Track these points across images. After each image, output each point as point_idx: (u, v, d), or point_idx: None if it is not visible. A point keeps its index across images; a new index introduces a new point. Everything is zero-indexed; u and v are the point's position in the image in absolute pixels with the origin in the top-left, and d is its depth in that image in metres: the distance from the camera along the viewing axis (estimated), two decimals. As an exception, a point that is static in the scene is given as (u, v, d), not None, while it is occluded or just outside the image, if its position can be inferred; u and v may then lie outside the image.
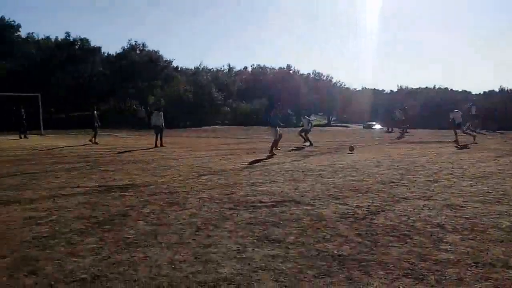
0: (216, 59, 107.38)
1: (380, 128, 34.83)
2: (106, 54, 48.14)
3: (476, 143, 17.07)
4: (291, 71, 64.12)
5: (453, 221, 4.99)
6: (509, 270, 3.49)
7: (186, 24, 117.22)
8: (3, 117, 32.93)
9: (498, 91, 53.79)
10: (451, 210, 5.56)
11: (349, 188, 7.18)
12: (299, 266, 3.59)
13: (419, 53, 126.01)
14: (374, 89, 72.20)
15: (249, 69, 67.21)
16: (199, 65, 56.98)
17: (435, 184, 7.52)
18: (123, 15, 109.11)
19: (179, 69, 54.16)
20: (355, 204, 5.93)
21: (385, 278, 3.33)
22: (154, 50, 48.42)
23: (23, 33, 45.19)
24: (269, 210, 5.66)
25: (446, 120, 18.91)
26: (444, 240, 4.28)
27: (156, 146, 17.06)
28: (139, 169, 9.92)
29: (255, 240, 4.33)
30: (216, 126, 38.31)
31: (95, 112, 20.16)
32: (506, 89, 51.88)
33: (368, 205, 5.86)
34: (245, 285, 3.22)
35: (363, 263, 3.65)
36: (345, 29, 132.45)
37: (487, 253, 3.88)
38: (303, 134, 18.29)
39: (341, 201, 6.19)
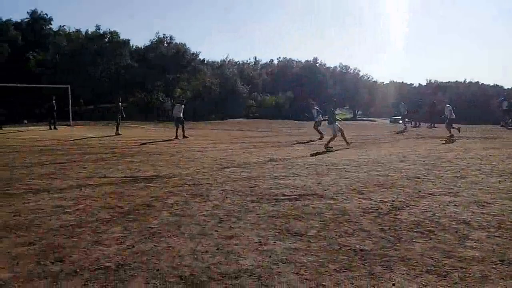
0: (243, 52, 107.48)
1: (407, 122, 34.16)
2: (134, 47, 48.85)
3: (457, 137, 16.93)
4: (317, 64, 63.51)
5: (479, 218, 4.87)
6: (536, 269, 3.40)
7: (214, 17, 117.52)
8: (34, 108, 33.98)
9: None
10: (478, 206, 5.43)
11: (374, 183, 7.10)
12: (320, 260, 3.59)
13: (449, 46, 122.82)
14: (402, 82, 70.86)
15: (275, 62, 66.94)
16: (225, 58, 57.19)
17: (462, 180, 7.35)
18: (152, 8, 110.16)
19: (205, 62, 54.50)
20: (379, 199, 5.86)
21: (407, 274, 3.29)
22: (182, 43, 48.81)
23: (54, 26, 46.36)
24: (292, 203, 5.65)
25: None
26: (470, 237, 4.19)
27: (176, 137, 17.38)
28: (164, 161, 10.06)
29: (277, 233, 4.34)
30: (241, 119, 38.40)
31: (120, 104, 20.53)
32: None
33: (393, 200, 5.78)
34: (266, 277, 3.24)
35: (385, 259, 3.61)
36: (374, 22, 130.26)
37: (514, 251, 3.79)
38: (316, 126, 17.85)
39: (365, 195, 6.13)
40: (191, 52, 49.16)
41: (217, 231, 4.41)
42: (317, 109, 18.29)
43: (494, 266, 3.45)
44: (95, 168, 8.89)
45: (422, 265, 3.46)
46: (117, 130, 19.88)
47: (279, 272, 3.33)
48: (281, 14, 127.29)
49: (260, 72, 58.17)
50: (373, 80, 68.68)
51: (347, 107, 70.28)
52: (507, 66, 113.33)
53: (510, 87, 58.02)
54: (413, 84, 72.69)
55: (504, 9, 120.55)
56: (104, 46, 42.64)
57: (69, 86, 27.74)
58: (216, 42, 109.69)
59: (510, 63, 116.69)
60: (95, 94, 39.41)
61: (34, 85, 30.84)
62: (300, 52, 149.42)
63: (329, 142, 13.45)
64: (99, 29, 43.96)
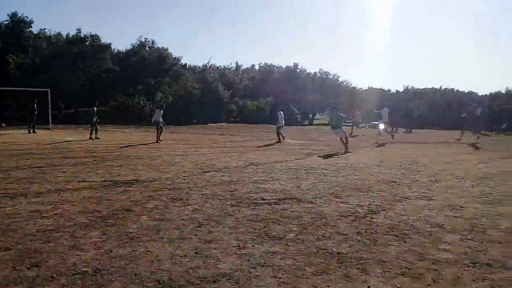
0: (224, 57, 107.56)
1: (384, 128, 34.71)
2: (116, 51, 48.42)
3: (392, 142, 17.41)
4: (298, 70, 63.98)
5: (453, 221, 5.01)
6: (506, 270, 3.53)
7: (195, 22, 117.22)
8: (12, 111, 33.29)
9: (504, 92, 53.54)
10: (451, 210, 5.59)
11: (351, 187, 7.22)
12: (298, 263, 3.64)
13: (426, 54, 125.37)
14: (381, 88, 71.92)
15: (257, 67, 67.20)
16: (207, 63, 57.14)
17: (437, 184, 7.54)
18: (134, 12, 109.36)
19: (187, 66, 54.35)
20: (356, 203, 5.97)
21: (382, 277, 3.37)
22: (163, 48, 48.61)
23: (35, 29, 45.57)
24: (271, 207, 5.71)
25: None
26: (443, 240, 4.31)
27: (157, 141, 17.74)
28: (144, 165, 10.01)
29: (255, 237, 4.38)
30: (222, 124, 38.34)
31: (96, 108, 20.72)
32: (512, 90, 51.67)
33: (369, 204, 5.89)
34: (244, 280, 3.27)
35: (361, 261, 3.69)
36: (353, 29, 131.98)
37: (485, 254, 3.91)
38: (279, 131, 19.04)
39: (343, 199, 6.23)
40: (173, 56, 49.02)
41: (196, 235, 4.43)
42: (281, 113, 19.60)
43: (466, 269, 3.56)
44: (74, 172, 8.79)
45: (397, 268, 3.55)
46: (95, 134, 19.73)
47: (257, 275, 3.37)
48: (263, 20, 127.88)
49: (241, 77, 58.31)
50: (352, 86, 69.58)
51: (327, 112, 70.85)
52: (481, 73, 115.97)
53: (483, 94, 59.57)
54: (391, 90, 73.83)
55: (481, 18, 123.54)
56: (85, 49, 42.16)
57: (48, 89, 27.32)
58: (198, 47, 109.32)
59: (484, 70, 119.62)
60: (75, 98, 38.86)
61: (13, 88, 30.26)
62: (281, 57, 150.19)
63: (346, 147, 13.87)
64: (80, 32, 43.48)
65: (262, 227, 4.75)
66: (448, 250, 4.00)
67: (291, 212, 5.46)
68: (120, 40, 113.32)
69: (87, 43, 43.24)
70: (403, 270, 3.50)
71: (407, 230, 4.66)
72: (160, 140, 17.98)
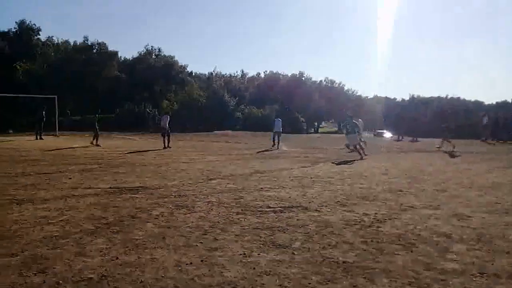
0: (230, 65, 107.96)
1: (391, 137, 34.56)
2: (122, 58, 48.84)
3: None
4: (303, 78, 64.17)
5: (459, 231, 4.97)
6: (514, 281, 3.49)
7: (201, 30, 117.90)
8: (20, 117, 33.58)
9: (511, 101, 53.37)
10: (458, 220, 5.55)
11: (357, 196, 7.19)
12: (304, 272, 3.63)
13: (432, 62, 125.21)
14: (386, 97, 71.94)
15: (262, 75, 67.49)
16: (213, 71, 57.50)
17: (443, 194, 7.49)
18: (140, 20, 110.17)
19: (193, 74, 54.69)
20: (362, 212, 5.94)
21: (389, 286, 3.35)
22: (170, 56, 48.98)
23: (43, 36, 46.06)
24: (276, 215, 5.70)
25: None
26: (450, 250, 4.27)
27: (164, 147, 18.14)
28: (150, 172, 10.04)
29: (261, 245, 4.37)
30: (228, 131, 38.38)
31: (97, 115, 21.26)
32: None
33: (375, 213, 5.86)
34: (249, 288, 3.27)
35: (367, 271, 3.67)
36: (359, 37, 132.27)
37: (492, 264, 3.88)
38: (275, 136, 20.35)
39: (348, 208, 6.21)
40: (179, 64, 49.36)
41: (201, 242, 4.43)
42: (280, 120, 21.17)
43: (474, 279, 3.53)
44: (80, 178, 8.83)
45: (403, 277, 3.52)
46: (97, 141, 20.01)
47: (263, 284, 3.36)
48: (268, 28, 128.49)
49: (247, 85, 58.57)
50: (357, 94, 69.68)
51: (332, 121, 70.93)
52: (488, 83, 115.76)
53: (490, 103, 59.38)
54: (396, 99, 73.84)
55: (486, 27, 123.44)
56: (92, 57, 42.56)
57: (56, 96, 27.55)
58: (204, 55, 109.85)
59: (491, 79, 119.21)
60: (82, 105, 39.16)
61: (21, 95, 30.55)
62: (286, 65, 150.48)
63: (361, 153, 14.15)
64: (87, 40, 43.96)
65: (267, 235, 4.74)
66: (455, 260, 3.97)
67: (296, 220, 5.45)
68: (127, 48, 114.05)
69: (94, 50, 43.68)
70: (409, 280, 3.47)
71: (413, 239, 4.63)
72: (170, 147, 18.36)
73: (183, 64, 50.52)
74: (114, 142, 22.26)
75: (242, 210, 5.99)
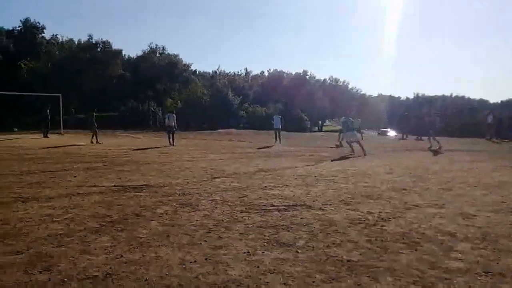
0: (234, 63, 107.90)
1: (395, 135, 34.51)
2: (126, 57, 48.95)
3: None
4: (307, 76, 64.07)
5: (464, 230, 4.95)
6: (519, 280, 3.47)
7: (205, 29, 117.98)
8: (24, 116, 33.74)
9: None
10: (463, 218, 5.52)
11: (361, 194, 7.17)
12: (308, 270, 3.62)
13: (437, 61, 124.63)
14: (390, 95, 71.74)
15: (266, 73, 67.43)
16: (217, 69, 57.52)
17: (448, 192, 7.46)
18: (144, 18, 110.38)
19: (197, 72, 54.75)
20: (366, 210, 5.93)
21: (393, 285, 3.34)
22: (174, 54, 49.06)
23: (47, 34, 46.24)
24: (280, 213, 5.69)
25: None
26: (455, 249, 4.25)
27: (170, 145, 18.84)
28: (154, 170, 10.06)
29: (265, 243, 4.37)
30: (232, 129, 38.43)
31: (94, 114, 21.80)
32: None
33: (379, 212, 5.85)
34: (254, 287, 3.27)
35: (372, 269, 3.66)
36: (364, 36, 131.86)
37: (497, 263, 3.86)
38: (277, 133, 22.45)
39: (353, 207, 6.20)
40: (183, 63, 49.42)
41: (206, 241, 4.43)
42: (280, 117, 23.42)
43: (478, 278, 3.51)
44: (85, 177, 8.86)
45: (408, 276, 3.51)
46: (96, 139, 20.47)
47: (267, 282, 3.36)
48: (273, 27, 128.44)
49: (251, 83, 58.53)
50: (361, 93, 69.51)
51: (336, 119, 70.81)
52: (492, 81, 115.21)
53: (495, 102, 59.09)
54: (401, 97, 73.63)
55: (491, 26, 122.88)
56: (96, 55, 42.67)
57: (60, 95, 27.66)
58: (208, 54, 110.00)
59: (496, 77, 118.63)
60: (86, 103, 39.31)
61: (25, 93, 30.68)
62: (290, 64, 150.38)
63: (363, 150, 15.21)
64: (91, 38, 44.08)
65: (271, 233, 4.74)
66: (460, 259, 3.95)
67: (300, 219, 5.44)
68: (131, 46, 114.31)
69: (98, 49, 43.79)
70: (414, 279, 3.46)
71: (418, 238, 4.61)
72: (174, 144, 19.00)
73: (187, 63, 50.67)
74: (118, 140, 22.35)
75: (246, 208, 5.99)
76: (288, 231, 4.86)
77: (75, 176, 8.89)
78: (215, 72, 56.95)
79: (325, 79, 68.00)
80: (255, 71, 68.80)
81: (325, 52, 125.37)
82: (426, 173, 10.11)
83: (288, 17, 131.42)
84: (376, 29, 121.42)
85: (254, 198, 6.70)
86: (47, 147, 16.75)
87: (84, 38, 44.99)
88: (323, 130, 60.86)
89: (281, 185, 8.01)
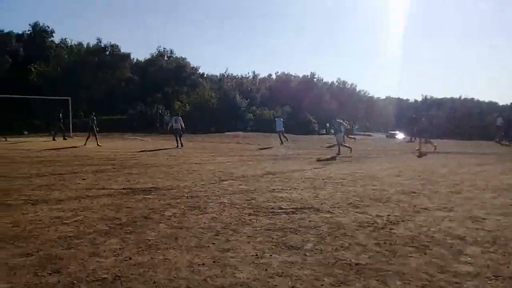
0: (242, 66, 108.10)
1: (403, 138, 34.33)
2: (135, 60, 49.27)
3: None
4: (314, 79, 63.98)
5: (474, 234, 4.91)
6: (530, 284, 3.44)
7: (213, 32, 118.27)
8: (34, 119, 34.06)
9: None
10: (472, 222, 5.48)
11: (369, 197, 7.14)
12: (316, 273, 3.62)
13: (445, 63, 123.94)
14: (398, 98, 71.39)
15: (274, 76, 67.41)
16: (224, 72, 57.66)
17: (457, 196, 7.41)
18: (153, 22, 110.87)
19: (204, 75, 54.94)
20: (375, 214, 5.90)
21: (402, 288, 3.33)
22: (182, 57, 49.31)
23: (56, 38, 46.64)
24: (288, 216, 5.69)
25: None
26: (464, 252, 4.22)
27: (177, 147, 19.72)
28: (162, 173, 10.10)
29: (273, 246, 4.37)
30: (239, 132, 38.43)
31: (94, 117, 21.71)
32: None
33: (388, 215, 5.82)
34: (262, 290, 3.27)
35: (380, 273, 3.64)
36: (371, 38, 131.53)
37: (508, 267, 3.82)
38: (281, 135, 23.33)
39: (361, 210, 6.17)
40: (191, 66, 49.64)
41: (214, 243, 4.44)
42: (282, 120, 24.68)
43: (488, 282, 3.49)
44: (94, 179, 8.92)
45: (417, 280, 3.49)
46: (96, 139, 20.81)
47: (275, 285, 3.36)
48: (280, 30, 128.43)
49: (258, 86, 58.56)
50: (369, 95, 69.25)
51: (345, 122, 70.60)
52: (502, 83, 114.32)
53: (504, 104, 58.60)
54: (409, 100, 73.26)
55: (501, 27, 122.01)
56: (105, 59, 42.98)
57: (69, 98, 27.89)
58: (215, 57, 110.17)
59: (505, 79, 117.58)
60: (95, 106, 39.57)
61: (35, 97, 30.97)
62: (298, 67, 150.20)
63: (346, 146, 16.76)
64: (100, 42, 44.40)
65: (279, 236, 4.74)
66: (470, 263, 3.92)
67: (308, 221, 5.43)
68: (139, 49, 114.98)
69: (107, 52, 44.10)
70: (423, 283, 3.44)
71: (427, 241, 4.58)
72: (182, 146, 19.79)
73: (195, 66, 50.87)
74: (126, 143, 22.49)
75: (254, 211, 5.99)
76: (296, 234, 4.85)
77: (84, 179, 8.95)
78: (223, 75, 57.13)
79: (332, 82, 67.87)
80: (263, 74, 68.78)
81: (333, 54, 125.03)
82: (435, 176, 10.05)
83: (296, 19, 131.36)
84: (384, 31, 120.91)
85: (262, 201, 6.70)
86: (56, 150, 16.88)
87: (92, 42, 45.39)
88: (331, 132, 60.72)
89: (289, 188, 8.00)
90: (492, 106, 57.59)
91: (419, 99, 69.33)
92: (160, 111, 40.38)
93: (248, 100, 48.92)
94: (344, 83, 68.11)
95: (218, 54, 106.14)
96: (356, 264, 3.86)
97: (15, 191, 7.44)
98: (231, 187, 8.08)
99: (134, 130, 33.47)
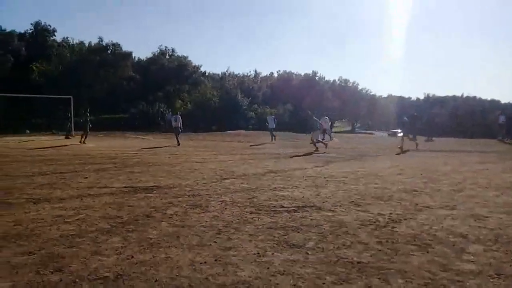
0: (243, 64, 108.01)
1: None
2: (136, 59, 49.29)
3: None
4: (316, 77, 63.90)
5: (476, 232, 4.90)
6: (532, 283, 3.43)
7: (214, 30, 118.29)
8: (36, 118, 34.12)
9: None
10: (474, 220, 5.46)
11: (371, 196, 7.13)
12: (318, 272, 3.61)
13: (447, 61, 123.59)
14: (401, 96, 71.19)
15: (275, 74, 67.36)
16: (226, 71, 57.66)
17: (459, 194, 7.38)
18: (154, 21, 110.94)
19: (206, 74, 54.94)
20: (377, 212, 5.89)
21: (404, 287, 3.31)
22: (183, 56, 49.33)
23: (58, 37, 46.71)
24: (290, 215, 5.68)
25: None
26: (467, 251, 4.21)
27: (178, 145, 20.17)
28: (164, 171, 10.10)
29: (275, 245, 4.36)
30: (241, 131, 38.45)
31: (88, 114, 22.28)
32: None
33: (390, 213, 5.81)
34: (264, 288, 3.26)
35: (382, 271, 3.64)
36: (373, 36, 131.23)
37: (510, 265, 3.81)
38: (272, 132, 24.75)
39: (363, 208, 6.16)
40: (193, 65, 49.65)
41: (215, 242, 4.43)
42: (274, 117, 26.30)
43: (491, 280, 3.47)
44: (95, 178, 8.93)
45: (419, 278, 3.48)
46: (85, 138, 21.09)
47: (277, 283, 3.35)
48: (282, 28, 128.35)
49: (260, 84, 58.53)
50: (371, 93, 69.11)
51: (346, 120, 70.53)
52: (504, 81, 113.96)
53: (507, 102, 58.40)
54: (411, 98, 73.08)
55: (503, 25, 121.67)
56: (106, 58, 43.01)
57: (71, 97, 27.95)
58: (217, 55, 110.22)
59: (507, 77, 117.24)
60: (97, 105, 39.62)
61: (37, 96, 31.03)
62: (299, 65, 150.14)
63: (318, 146, 17.82)
64: (101, 41, 44.45)
65: (281, 234, 4.73)
66: (472, 261, 3.91)
67: (310, 220, 5.42)
68: (141, 48, 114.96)
69: (108, 51, 44.13)
70: (425, 281, 3.43)
71: (429, 240, 4.57)
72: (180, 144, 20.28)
73: (196, 64, 50.86)
74: (128, 142, 22.50)
75: (255, 209, 5.99)
76: (298, 232, 4.84)
77: (86, 177, 8.96)
78: (225, 73, 57.15)
79: (334, 80, 67.82)
80: (265, 72, 68.78)
81: (335, 52, 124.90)
82: (437, 174, 10.03)
83: (298, 18, 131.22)
84: (386, 29, 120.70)
85: (263, 199, 6.70)
86: (58, 148, 16.90)
87: (94, 41, 45.47)
88: (332, 131, 60.65)
89: (290, 186, 7.99)
90: (494, 104, 57.38)
91: (421, 97, 69.15)
92: (161, 110, 40.38)
93: (250, 98, 48.91)
94: (346, 81, 68.08)
95: (219, 53, 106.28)
96: (358, 262, 3.85)
97: (17, 189, 7.45)
98: (232, 186, 8.08)
99: (136, 129, 33.52)
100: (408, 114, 23.23)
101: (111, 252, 4.07)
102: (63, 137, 24.31)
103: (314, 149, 17.68)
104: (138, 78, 45.68)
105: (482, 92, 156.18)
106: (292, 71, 66.22)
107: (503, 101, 60.90)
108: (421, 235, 4.76)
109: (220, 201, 6.59)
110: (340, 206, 6.28)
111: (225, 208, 6.06)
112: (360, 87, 68.66)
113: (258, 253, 4.07)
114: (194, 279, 3.42)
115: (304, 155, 15.71)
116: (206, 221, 5.30)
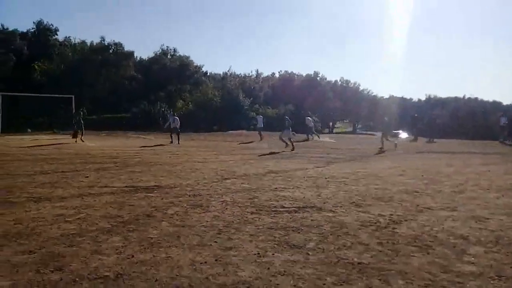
0: (245, 64, 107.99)
1: (406, 137, 34.20)
2: (138, 59, 49.31)
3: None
4: (318, 78, 63.83)
5: (477, 233, 4.89)
6: (533, 285, 3.42)
7: (215, 30, 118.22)
8: (38, 117, 34.19)
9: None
10: (475, 222, 5.45)
11: (372, 196, 7.13)
12: (318, 272, 3.61)
13: (449, 62, 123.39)
14: (402, 97, 71.02)
15: (277, 75, 67.29)
16: (228, 71, 57.63)
17: (460, 195, 7.38)
18: (156, 20, 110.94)
19: (208, 74, 54.94)
20: (378, 213, 5.88)
21: (404, 288, 3.32)
22: (185, 56, 49.32)
23: (60, 36, 46.75)
24: (291, 215, 5.68)
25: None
26: (467, 252, 4.21)
27: (178, 144, 20.83)
28: (165, 171, 10.11)
29: (275, 245, 4.36)
30: (242, 131, 38.40)
31: (81, 113, 22.26)
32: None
33: (391, 214, 5.80)
34: (264, 288, 3.26)
35: (383, 272, 3.63)
36: (374, 37, 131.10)
37: (511, 267, 3.81)
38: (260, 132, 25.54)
39: (363, 209, 6.16)
40: (194, 64, 49.65)
41: (216, 242, 4.44)
42: (262, 117, 27.69)
43: (491, 282, 3.47)
44: (96, 177, 8.94)
45: (419, 279, 3.48)
46: (82, 136, 21.31)
47: (277, 284, 3.35)
48: (282, 28, 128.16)
49: (261, 84, 58.50)
50: (373, 94, 68.96)
51: (347, 120, 70.49)
52: (506, 83, 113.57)
53: (509, 103, 58.29)
54: (412, 99, 72.96)
55: (505, 26, 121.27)
56: (108, 57, 43.06)
57: (73, 96, 28.00)
58: (218, 55, 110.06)
59: (509, 80, 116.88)
60: (98, 105, 39.64)
61: (39, 95, 31.09)
62: (300, 65, 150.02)
63: (286, 145, 18.50)
64: (103, 40, 44.50)
65: (282, 235, 4.73)
66: (473, 263, 3.91)
67: (311, 220, 5.42)
68: (143, 48, 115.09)
69: (110, 51, 44.17)
70: (426, 282, 3.43)
71: (430, 241, 4.57)
72: (178, 143, 20.88)
73: (198, 64, 50.86)
74: (129, 141, 22.52)
75: (256, 210, 5.99)
76: (299, 233, 4.84)
77: (87, 177, 8.97)
78: (226, 73, 57.06)
79: (336, 81, 67.66)
80: (266, 72, 68.62)
81: (336, 53, 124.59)
82: (438, 175, 10.02)
83: (299, 18, 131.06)
84: (388, 30, 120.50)
85: (264, 200, 6.70)
86: (59, 148, 16.92)
87: (96, 40, 45.49)
88: (334, 131, 60.58)
89: (291, 187, 7.99)
90: (496, 106, 57.21)
91: (423, 98, 68.96)
92: (163, 110, 40.37)
93: (251, 98, 48.82)
94: (347, 82, 67.84)
95: (220, 53, 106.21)
96: (359, 263, 3.85)
97: (18, 188, 7.46)
98: (233, 186, 8.08)
99: (137, 128, 33.50)
100: (388, 114, 23.62)
101: (111, 251, 4.08)
102: (70, 136, 24.26)
103: (285, 146, 18.49)
104: (140, 78, 45.70)
105: (484, 93, 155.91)
106: (294, 72, 66.16)
107: (504, 103, 60.71)
108: (421, 236, 4.76)
109: (221, 201, 6.59)
110: (341, 206, 6.28)
111: (226, 208, 6.06)
112: (361, 88, 68.60)
113: (259, 253, 4.07)
114: (195, 279, 3.42)
115: (271, 153, 15.69)
116: (207, 221, 5.31)
